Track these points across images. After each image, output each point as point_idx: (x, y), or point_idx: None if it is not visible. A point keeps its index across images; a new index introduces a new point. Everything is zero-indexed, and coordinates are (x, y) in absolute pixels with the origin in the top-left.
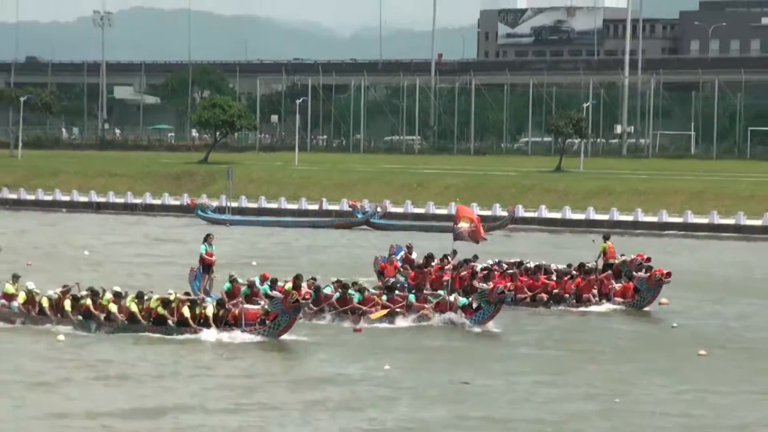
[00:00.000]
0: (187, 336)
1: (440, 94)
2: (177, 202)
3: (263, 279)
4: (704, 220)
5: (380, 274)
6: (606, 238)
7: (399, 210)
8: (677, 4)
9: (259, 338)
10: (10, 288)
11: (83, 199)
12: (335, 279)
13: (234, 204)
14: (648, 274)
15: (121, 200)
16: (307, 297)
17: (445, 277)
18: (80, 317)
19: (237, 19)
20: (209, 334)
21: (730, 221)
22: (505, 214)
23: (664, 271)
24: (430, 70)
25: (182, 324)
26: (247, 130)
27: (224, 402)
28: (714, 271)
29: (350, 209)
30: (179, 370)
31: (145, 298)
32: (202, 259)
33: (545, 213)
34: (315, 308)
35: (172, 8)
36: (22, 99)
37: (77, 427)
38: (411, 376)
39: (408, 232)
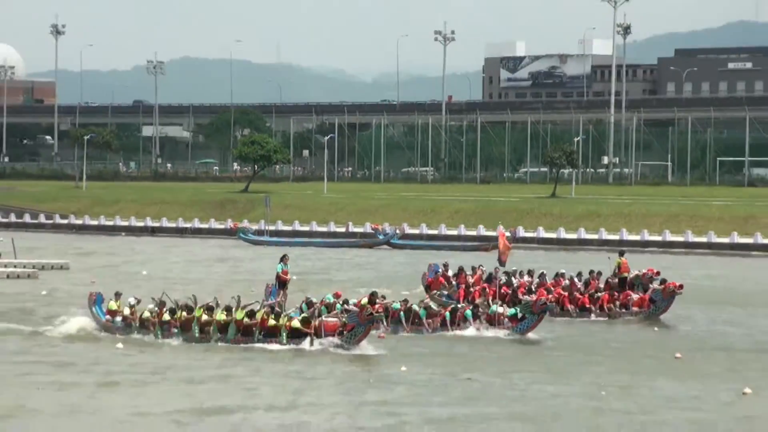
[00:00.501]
0: (269, 346)
1: (450, 130)
2: (221, 226)
3: (336, 297)
4: (680, 239)
5: (427, 288)
6: (621, 254)
7: (415, 231)
8: (656, 51)
9: (338, 347)
10: (113, 305)
11: (140, 224)
12: (403, 299)
13: (271, 227)
14: (662, 286)
15: (173, 225)
16: (380, 311)
17: (490, 295)
18: (176, 330)
19: (272, 66)
20: (293, 343)
21: (703, 239)
22: (508, 234)
23: (677, 284)
24: (442, 110)
25: (268, 334)
26: (282, 164)
27: (278, 401)
28: (692, 282)
29: (373, 231)
30: (236, 373)
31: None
32: (278, 277)
33: (542, 233)
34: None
35: (216, 58)
36: (86, 138)
37: (148, 424)
38: (426, 376)
39: (423, 251)
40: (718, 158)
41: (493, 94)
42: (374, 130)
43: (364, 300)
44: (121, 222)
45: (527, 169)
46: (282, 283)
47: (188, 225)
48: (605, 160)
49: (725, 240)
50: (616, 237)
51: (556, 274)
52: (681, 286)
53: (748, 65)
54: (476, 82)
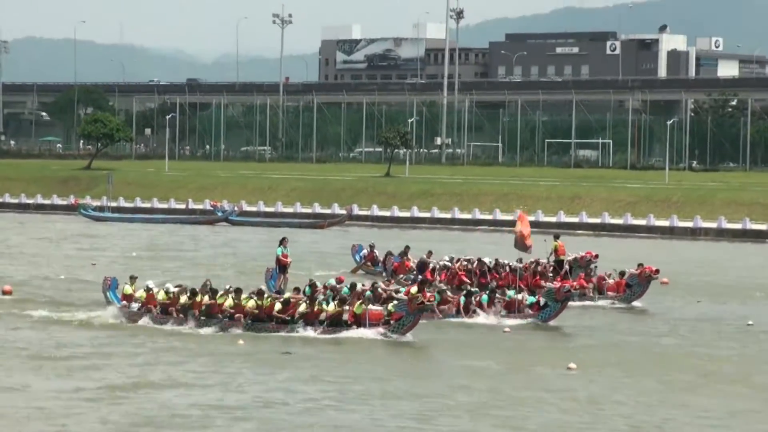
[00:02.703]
0: (306, 333)
1: (287, 111)
2: (64, 203)
3: (339, 282)
4: (510, 218)
5: (393, 272)
6: (556, 237)
7: (253, 209)
8: (487, 36)
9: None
10: (128, 289)
11: None
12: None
13: (113, 204)
14: (638, 270)
15: (15, 200)
16: (432, 300)
17: (463, 277)
18: (202, 317)
19: (115, 47)
20: (334, 332)
21: (531, 218)
22: (343, 212)
23: (653, 268)
24: (279, 90)
25: (307, 322)
26: (125, 141)
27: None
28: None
29: (212, 208)
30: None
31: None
32: (278, 260)
33: (377, 211)
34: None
35: (61, 38)
36: None
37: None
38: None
39: (261, 227)
40: (547, 140)
41: (329, 76)
42: (214, 110)
43: (414, 289)
44: None
45: (362, 149)
46: (282, 267)
47: (31, 201)
48: (438, 140)
49: (552, 219)
50: (448, 215)
51: (497, 262)
52: (657, 271)
53: (575, 50)
54: (313, 64)
